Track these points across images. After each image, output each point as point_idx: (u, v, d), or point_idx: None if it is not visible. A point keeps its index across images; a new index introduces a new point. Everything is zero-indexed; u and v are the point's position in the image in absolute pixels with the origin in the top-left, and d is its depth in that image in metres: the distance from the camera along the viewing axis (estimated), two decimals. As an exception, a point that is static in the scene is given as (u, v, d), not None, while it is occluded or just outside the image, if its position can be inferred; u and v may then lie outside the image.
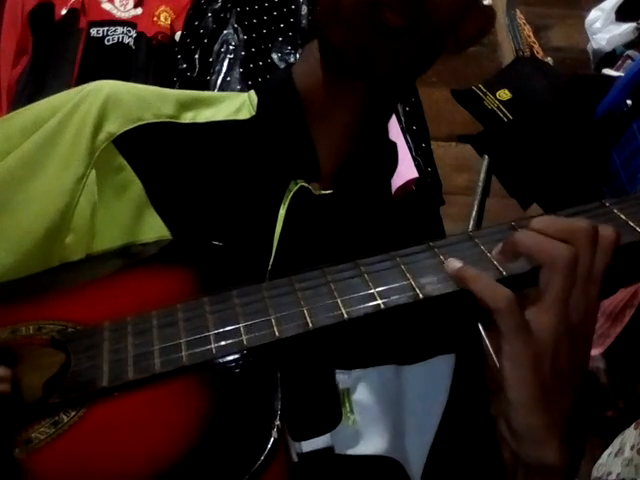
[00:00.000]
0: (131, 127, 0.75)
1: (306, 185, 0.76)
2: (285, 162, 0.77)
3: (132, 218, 0.73)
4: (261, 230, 0.74)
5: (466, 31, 0.79)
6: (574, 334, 0.60)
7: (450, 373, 0.77)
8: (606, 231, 0.61)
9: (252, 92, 0.83)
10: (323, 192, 0.77)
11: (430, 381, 0.76)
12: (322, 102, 0.78)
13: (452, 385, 0.77)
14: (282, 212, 0.74)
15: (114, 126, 0.75)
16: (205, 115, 0.80)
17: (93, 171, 0.73)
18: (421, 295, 0.61)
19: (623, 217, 0.65)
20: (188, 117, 0.79)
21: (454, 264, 0.61)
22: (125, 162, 0.74)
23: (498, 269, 0.62)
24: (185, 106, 0.79)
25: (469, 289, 0.60)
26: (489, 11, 0.82)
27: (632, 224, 0.64)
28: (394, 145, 0.86)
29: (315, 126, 0.78)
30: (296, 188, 0.75)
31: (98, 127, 0.74)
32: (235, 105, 0.82)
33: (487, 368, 0.61)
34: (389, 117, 0.85)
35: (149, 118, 0.77)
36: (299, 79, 0.80)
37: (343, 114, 0.78)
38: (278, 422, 0.54)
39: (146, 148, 0.76)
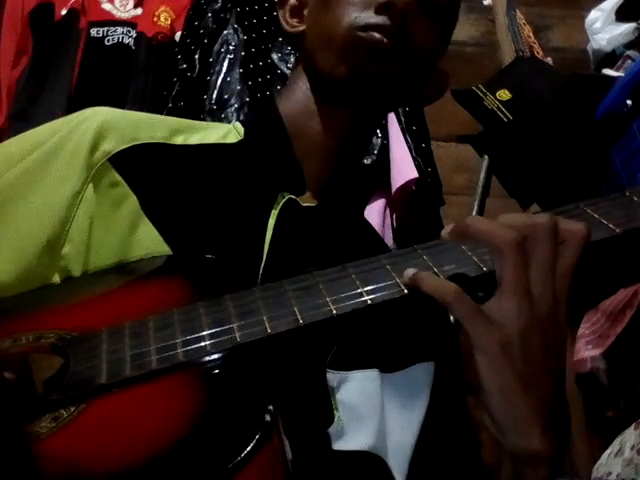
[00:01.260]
0: (127, 146, 0.79)
1: (293, 197, 0.81)
2: (272, 179, 0.82)
3: (128, 230, 0.76)
4: (252, 241, 0.77)
5: (425, 91, 0.90)
6: (544, 323, 0.61)
7: (430, 380, 0.79)
8: (575, 226, 0.63)
9: (237, 123, 0.89)
10: (309, 204, 0.82)
11: (410, 389, 0.78)
12: (307, 129, 0.85)
13: (432, 392, 0.79)
14: (272, 222, 0.78)
15: (110, 145, 0.78)
16: (195, 138, 0.85)
17: (90, 186, 0.77)
18: (406, 291, 0.63)
19: (596, 216, 0.67)
20: (180, 139, 0.84)
21: (408, 272, 0.64)
22: (120, 178, 0.78)
23: (479, 266, 0.64)
24: (176, 130, 0.84)
25: (421, 291, 0.62)
26: (444, 75, 0.93)
27: (605, 222, 0.66)
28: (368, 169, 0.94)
29: (301, 149, 0.84)
30: (284, 200, 0.80)
31: (95, 146, 0.78)
32: (222, 132, 0.87)
33: (467, 366, 0.63)
34: (370, 140, 0.94)
35: (143, 139, 0.81)
36: (285, 108, 0.86)
37: (327, 139, 0.84)
38: (271, 407, 0.55)
39: (141, 166, 0.79)
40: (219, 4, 1.95)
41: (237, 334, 0.62)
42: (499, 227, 0.62)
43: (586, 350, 1.87)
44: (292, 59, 1.88)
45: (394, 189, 1.75)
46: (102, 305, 0.71)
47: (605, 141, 1.91)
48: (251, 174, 0.83)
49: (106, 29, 2.01)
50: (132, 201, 0.77)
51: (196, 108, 1.81)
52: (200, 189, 0.80)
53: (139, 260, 0.75)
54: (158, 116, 0.88)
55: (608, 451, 1.59)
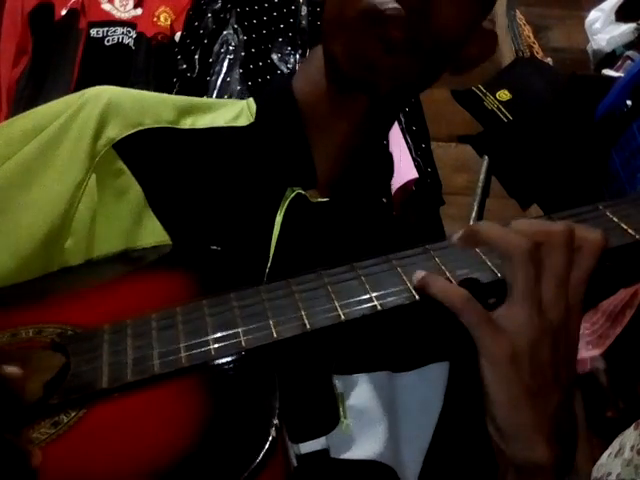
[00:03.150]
0: (131, 132, 0.76)
1: (303, 192, 0.76)
2: (282, 169, 0.78)
3: (131, 222, 0.74)
4: (258, 236, 0.74)
5: (467, 54, 0.80)
6: (555, 334, 0.60)
7: (444, 380, 0.77)
8: (591, 234, 0.61)
9: (251, 99, 0.84)
10: (320, 200, 0.78)
11: (424, 389, 0.76)
12: (321, 112, 0.78)
13: (447, 392, 0.77)
14: (279, 219, 0.75)
15: (114, 131, 0.75)
16: (204, 121, 0.81)
17: (93, 176, 0.74)
18: (417, 297, 0.61)
19: (615, 220, 0.65)
20: (187, 123, 0.80)
21: (418, 274, 0.62)
22: (125, 166, 0.75)
23: (493, 271, 0.62)
24: (184, 112, 0.80)
25: (430, 295, 0.60)
26: (491, 36, 0.82)
27: (624, 226, 0.64)
28: (390, 156, 0.87)
29: (314, 135, 0.78)
30: (293, 195, 0.76)
31: (98, 132, 0.75)
32: (234, 111, 0.83)
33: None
34: (389, 129, 0.86)
35: (149, 123, 0.77)
36: (299, 88, 0.80)
37: (342, 125, 0.78)
38: (276, 421, 0.54)
39: (146, 153, 0.76)
40: (219, 4, 1.95)
41: (242, 339, 0.60)
42: (510, 234, 0.60)
43: (586, 350, 1.87)
44: (292, 59, 1.88)
45: (394, 189, 1.75)
46: (104, 297, 0.69)
47: (605, 141, 1.91)
48: (260, 163, 0.78)
49: (106, 29, 2.01)
50: (136, 191, 0.75)
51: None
52: (207, 178, 0.77)
53: (143, 250, 0.73)
54: (165, 95, 0.84)
55: (608, 451, 1.58)
